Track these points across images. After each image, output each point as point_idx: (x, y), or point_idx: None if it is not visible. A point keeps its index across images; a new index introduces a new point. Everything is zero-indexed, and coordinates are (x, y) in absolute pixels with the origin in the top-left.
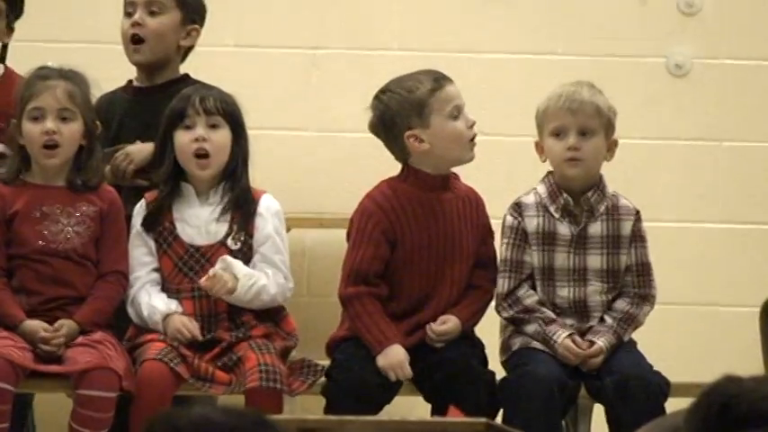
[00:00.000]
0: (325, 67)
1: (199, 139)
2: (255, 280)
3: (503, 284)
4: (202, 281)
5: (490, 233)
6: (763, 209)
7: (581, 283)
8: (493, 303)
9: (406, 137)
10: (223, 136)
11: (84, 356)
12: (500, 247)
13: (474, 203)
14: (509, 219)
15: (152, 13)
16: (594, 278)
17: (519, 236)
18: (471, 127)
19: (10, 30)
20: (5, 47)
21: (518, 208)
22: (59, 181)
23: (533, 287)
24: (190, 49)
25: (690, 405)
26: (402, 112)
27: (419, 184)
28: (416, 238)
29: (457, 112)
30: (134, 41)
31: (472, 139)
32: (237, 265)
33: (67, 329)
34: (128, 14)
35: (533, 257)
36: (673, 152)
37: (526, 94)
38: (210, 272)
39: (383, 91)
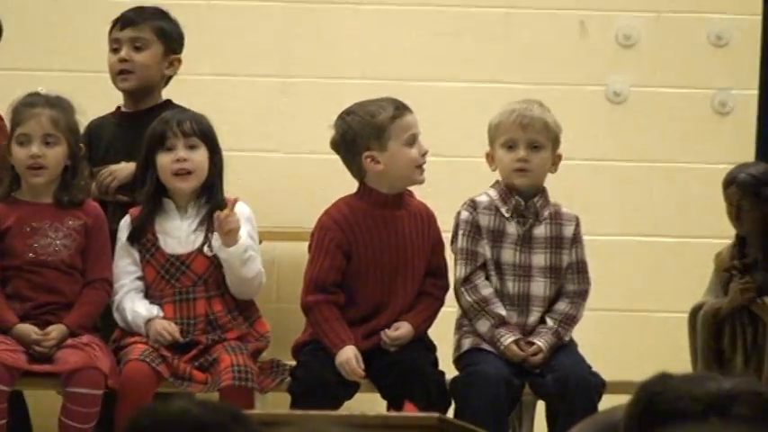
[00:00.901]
0: (293, 93)
1: (180, 159)
2: (251, 253)
3: (460, 271)
4: (223, 213)
5: (441, 245)
6: (690, 224)
7: (526, 278)
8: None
9: (364, 157)
10: (201, 155)
11: (72, 357)
12: (457, 238)
13: (426, 219)
14: (464, 213)
15: (136, 48)
16: (538, 274)
17: (473, 228)
18: (424, 155)
19: None
20: None
21: (473, 204)
22: (47, 198)
23: (487, 278)
24: (171, 76)
25: (630, 401)
26: (363, 133)
27: (373, 201)
28: (370, 250)
29: (412, 140)
30: (121, 74)
31: (422, 165)
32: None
33: (57, 333)
34: (114, 50)
35: (486, 250)
36: (610, 172)
37: (477, 119)
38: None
39: (347, 113)
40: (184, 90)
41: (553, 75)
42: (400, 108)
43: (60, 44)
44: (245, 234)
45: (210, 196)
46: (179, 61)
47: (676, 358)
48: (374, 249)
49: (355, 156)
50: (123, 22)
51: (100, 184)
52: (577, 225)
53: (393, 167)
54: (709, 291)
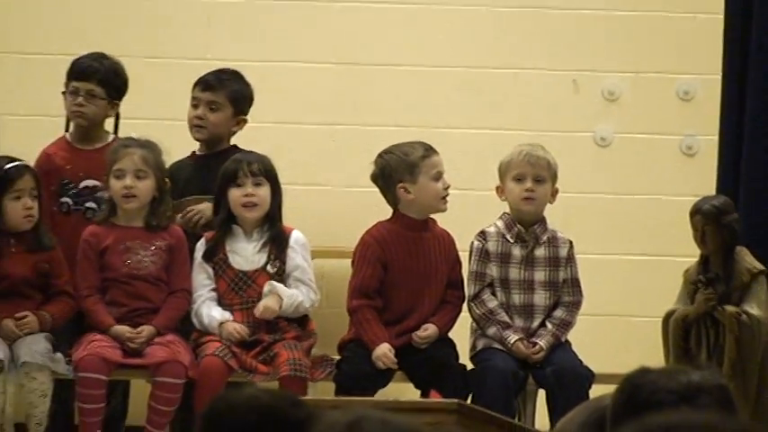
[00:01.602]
0: (340, 138)
1: (248, 194)
2: (295, 299)
3: (472, 289)
4: (257, 313)
5: (459, 263)
6: (663, 246)
7: (529, 291)
8: (465, 305)
9: (398, 188)
10: (265, 191)
11: (159, 352)
12: (469, 263)
13: (447, 241)
14: (476, 243)
15: (211, 109)
16: (539, 288)
17: (483, 255)
18: (446, 188)
19: (113, 106)
20: (117, 121)
21: (483, 235)
22: (138, 222)
23: (493, 294)
24: (237, 131)
25: (615, 390)
26: (398, 168)
27: (405, 224)
28: (402, 264)
29: (438, 176)
30: (196, 127)
31: (445, 197)
32: (281, 288)
33: (147, 332)
34: (194, 106)
35: (493, 271)
36: (597, 203)
37: (488, 160)
38: (261, 306)
39: (386, 152)
40: (254, 135)
41: (551, 123)
42: (429, 149)
43: (150, 96)
44: (299, 260)
45: (272, 224)
46: (245, 121)
47: (652, 355)
48: (405, 263)
49: (391, 186)
50: (204, 84)
51: (188, 219)
52: (571, 247)
53: (422, 197)
54: (678, 300)
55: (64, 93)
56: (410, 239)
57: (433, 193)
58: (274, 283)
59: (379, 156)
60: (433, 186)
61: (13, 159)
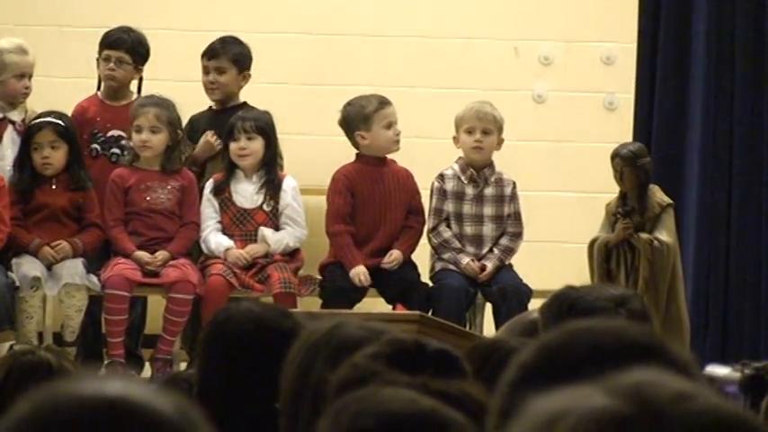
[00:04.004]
0: (321, 95)
1: (241, 147)
2: (281, 242)
3: (431, 223)
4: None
5: (418, 193)
6: (588, 183)
7: (479, 223)
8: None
9: (356, 134)
10: (257, 144)
11: (173, 273)
12: (430, 200)
13: (404, 175)
14: (435, 183)
15: (220, 73)
16: (488, 221)
17: (441, 193)
18: (397, 134)
19: (138, 71)
20: (141, 83)
21: (441, 176)
22: (156, 167)
23: (449, 226)
24: (244, 85)
25: (543, 304)
26: (356, 118)
27: (365, 162)
28: (365, 192)
29: (389, 125)
30: (209, 89)
31: (397, 141)
32: (269, 235)
33: (162, 257)
34: (205, 73)
35: (449, 207)
36: (535, 150)
37: (443, 114)
38: (249, 248)
39: (348, 103)
40: (255, 93)
41: (496, 83)
42: (383, 102)
43: (166, 61)
44: (289, 199)
45: (268, 170)
46: (249, 75)
47: (580, 274)
48: (368, 192)
49: (351, 132)
50: (210, 53)
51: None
52: (514, 187)
53: (375, 142)
54: (601, 229)
55: (98, 59)
56: (371, 173)
57: (384, 139)
58: (265, 231)
59: (343, 106)
60: (384, 133)
61: (52, 113)
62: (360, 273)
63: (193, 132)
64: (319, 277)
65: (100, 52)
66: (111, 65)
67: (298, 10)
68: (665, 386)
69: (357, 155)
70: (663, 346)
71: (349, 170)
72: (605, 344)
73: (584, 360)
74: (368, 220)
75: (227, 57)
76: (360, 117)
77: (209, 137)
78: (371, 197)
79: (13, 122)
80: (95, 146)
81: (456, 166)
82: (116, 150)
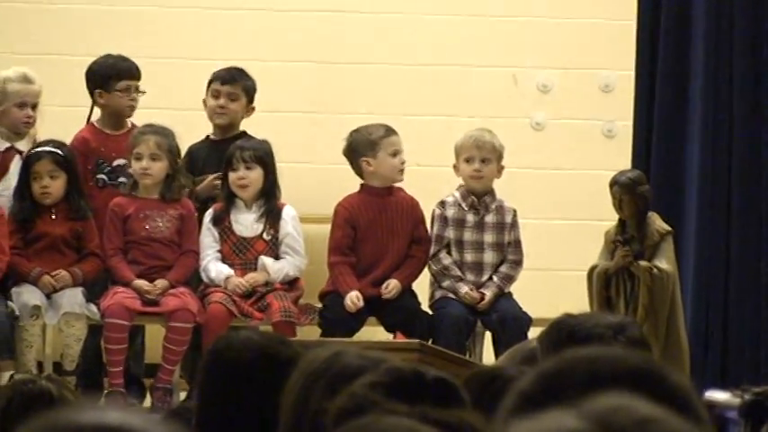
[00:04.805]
0: (321, 123)
1: (240, 177)
2: (282, 272)
3: (432, 249)
4: (247, 283)
5: (423, 222)
6: (589, 212)
7: (480, 251)
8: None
9: (362, 161)
10: (256, 174)
11: (172, 302)
12: (431, 227)
13: (409, 204)
14: (436, 210)
15: (231, 99)
16: (488, 248)
17: (441, 221)
18: (402, 163)
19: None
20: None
21: (442, 203)
22: (155, 195)
23: (449, 253)
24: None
25: (542, 332)
26: (362, 145)
27: (369, 192)
28: (368, 224)
29: (395, 153)
30: (217, 114)
31: (401, 170)
32: (270, 264)
33: (162, 285)
34: (214, 97)
35: (450, 234)
36: (534, 177)
37: (444, 142)
38: (249, 277)
39: (354, 131)
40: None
41: (495, 111)
42: (389, 130)
43: (168, 93)
44: (289, 229)
45: (267, 199)
46: (253, 109)
47: (580, 302)
48: (371, 223)
49: (356, 160)
50: (223, 78)
51: (208, 184)
52: (515, 215)
53: (380, 170)
54: (600, 256)
55: (100, 92)
56: (374, 204)
57: (389, 167)
58: (265, 259)
59: (350, 134)
60: (389, 161)
61: (51, 142)
62: (352, 296)
63: (192, 163)
64: (319, 306)
65: (114, 84)
66: (134, 94)
67: (296, 39)
68: (632, 411)
69: (361, 185)
70: (660, 373)
71: (351, 202)
72: (602, 371)
73: (581, 387)
74: (371, 250)
75: (241, 85)
76: (366, 143)
77: (213, 180)
78: (374, 227)
79: (20, 152)
80: (102, 176)
81: (457, 194)
82: (123, 180)
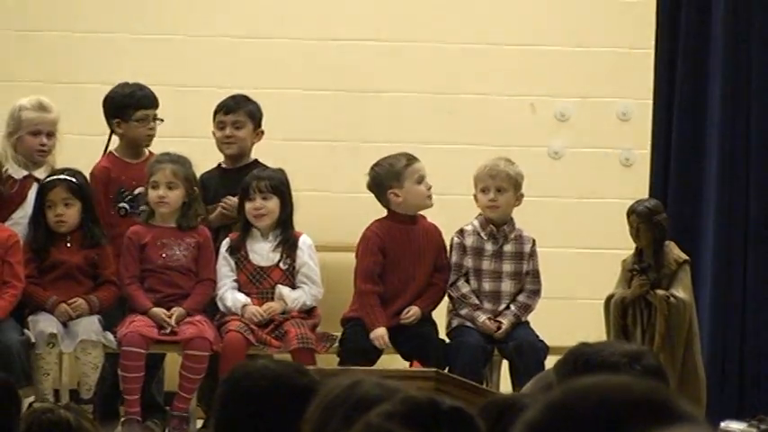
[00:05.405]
0: (340, 152)
1: (257, 207)
2: (299, 301)
3: (451, 278)
4: (265, 312)
5: (444, 250)
6: (606, 240)
7: (498, 280)
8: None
9: (389, 193)
10: (273, 203)
11: (189, 330)
12: (450, 256)
13: (433, 232)
14: (455, 239)
15: (236, 128)
16: (506, 277)
17: (460, 249)
18: (429, 189)
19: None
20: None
21: (461, 232)
22: (172, 223)
23: (467, 281)
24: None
25: (558, 361)
26: (387, 177)
27: (397, 220)
28: (395, 252)
29: (420, 179)
30: (225, 143)
31: (429, 196)
32: (287, 294)
33: (179, 313)
34: (220, 128)
35: (468, 262)
36: (552, 206)
37: (462, 170)
38: (266, 306)
39: (376, 164)
40: (269, 150)
41: (513, 140)
42: (411, 158)
43: (184, 122)
44: (305, 258)
45: (284, 228)
46: (262, 132)
47: (597, 331)
48: (398, 251)
49: (383, 193)
50: (226, 108)
51: (220, 212)
52: (533, 244)
53: (409, 199)
54: (617, 285)
55: (119, 121)
56: (402, 232)
57: (417, 194)
58: (283, 289)
59: (371, 168)
60: (416, 189)
61: (66, 171)
62: (380, 336)
63: (205, 191)
64: (337, 334)
65: (131, 113)
66: (152, 123)
67: (314, 67)
68: None
69: (388, 213)
70: (667, 402)
71: (381, 228)
72: (609, 401)
73: (589, 418)
74: (397, 279)
75: (244, 111)
76: (391, 175)
77: (225, 209)
78: (402, 257)
79: (38, 180)
80: (123, 204)
81: (476, 222)
82: (144, 207)
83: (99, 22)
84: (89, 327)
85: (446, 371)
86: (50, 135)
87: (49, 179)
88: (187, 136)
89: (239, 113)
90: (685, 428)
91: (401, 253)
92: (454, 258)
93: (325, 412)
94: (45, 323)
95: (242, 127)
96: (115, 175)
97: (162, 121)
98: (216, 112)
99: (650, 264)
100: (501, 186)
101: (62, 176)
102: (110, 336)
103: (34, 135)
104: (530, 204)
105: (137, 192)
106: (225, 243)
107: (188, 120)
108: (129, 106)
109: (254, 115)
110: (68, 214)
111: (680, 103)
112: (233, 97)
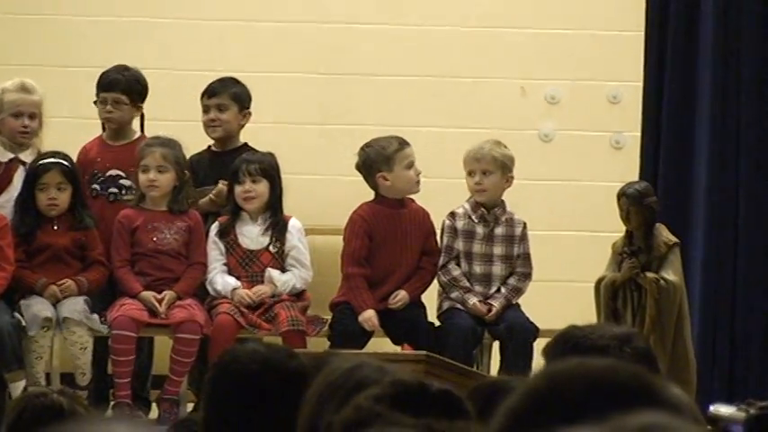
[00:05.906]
0: (329, 135)
1: (246, 190)
2: (288, 284)
3: (442, 260)
4: (254, 295)
5: (434, 234)
6: (597, 223)
7: (489, 263)
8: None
9: (378, 176)
10: (262, 187)
11: (179, 313)
12: (440, 238)
13: (421, 215)
14: (446, 221)
15: (220, 110)
16: (497, 260)
17: (451, 232)
18: (418, 174)
19: (137, 108)
20: (143, 120)
21: (452, 214)
22: (162, 207)
23: (458, 264)
24: (245, 124)
25: (548, 344)
26: (377, 160)
27: (384, 204)
28: (382, 236)
29: (410, 165)
30: (210, 127)
31: (418, 182)
32: (276, 277)
33: (169, 297)
34: (205, 112)
35: (459, 245)
36: (542, 189)
37: (453, 153)
38: (256, 289)
39: (367, 145)
40: (259, 133)
41: (504, 122)
42: (402, 143)
43: (168, 101)
44: (295, 241)
45: (273, 212)
46: (250, 114)
47: (587, 313)
48: (385, 235)
49: (372, 175)
50: (209, 92)
51: (209, 199)
52: (524, 227)
53: (397, 183)
54: (608, 267)
55: (95, 102)
56: (389, 216)
57: (406, 180)
58: (272, 272)
59: (361, 148)
60: (406, 174)
61: (56, 154)
62: (369, 318)
63: (194, 174)
64: (327, 317)
65: (97, 95)
66: (109, 107)
67: (302, 50)
68: (671, 429)
69: (376, 196)
70: (652, 385)
71: (368, 211)
72: (593, 386)
73: (571, 403)
74: (384, 262)
75: (228, 94)
76: (381, 158)
77: (214, 197)
78: (389, 240)
79: (23, 163)
80: (95, 186)
81: (467, 205)
82: (114, 189)
83: (87, 5)
84: (72, 306)
85: (437, 353)
86: (33, 117)
87: (42, 162)
88: (178, 120)
89: (223, 96)
90: (663, 414)
91: (388, 236)
92: (445, 241)
93: (324, 395)
94: (39, 306)
95: (226, 110)
96: (93, 156)
97: (136, 107)
98: (201, 96)
99: (640, 246)
100: (486, 169)
101: (56, 160)
102: (95, 317)
103: (16, 117)
104: (520, 187)
105: (108, 174)
106: (214, 227)
107: (180, 103)
108: (97, 87)
109: (240, 97)
110: (61, 198)
111: (670, 86)
112: (220, 80)
